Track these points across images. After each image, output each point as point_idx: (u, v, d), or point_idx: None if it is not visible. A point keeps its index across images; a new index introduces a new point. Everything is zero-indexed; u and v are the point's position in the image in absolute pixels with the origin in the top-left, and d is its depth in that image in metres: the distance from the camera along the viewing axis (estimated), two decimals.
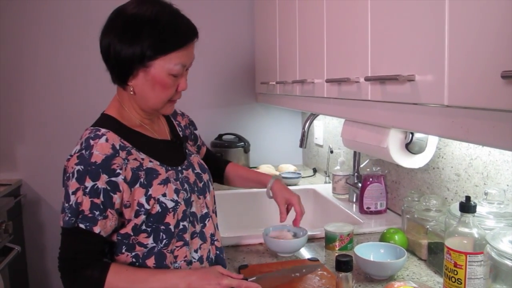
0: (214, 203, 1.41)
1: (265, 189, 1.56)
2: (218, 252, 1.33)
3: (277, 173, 2.68)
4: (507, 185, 1.28)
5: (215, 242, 1.33)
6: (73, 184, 1.11)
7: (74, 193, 1.11)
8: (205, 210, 1.31)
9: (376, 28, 1.19)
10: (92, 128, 1.19)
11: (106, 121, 1.22)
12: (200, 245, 1.27)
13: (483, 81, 0.78)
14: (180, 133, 1.43)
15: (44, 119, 2.87)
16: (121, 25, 1.15)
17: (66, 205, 1.11)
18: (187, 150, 1.37)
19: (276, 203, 1.52)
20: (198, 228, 1.27)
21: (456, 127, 0.89)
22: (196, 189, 1.30)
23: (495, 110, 0.77)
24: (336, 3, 1.47)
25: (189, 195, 1.25)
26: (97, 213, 1.11)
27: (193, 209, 1.26)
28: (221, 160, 1.71)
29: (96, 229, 1.11)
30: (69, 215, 1.10)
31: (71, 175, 1.11)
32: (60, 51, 2.84)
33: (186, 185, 1.26)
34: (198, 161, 1.39)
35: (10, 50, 2.78)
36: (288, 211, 1.53)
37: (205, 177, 1.36)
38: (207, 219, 1.31)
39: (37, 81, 2.84)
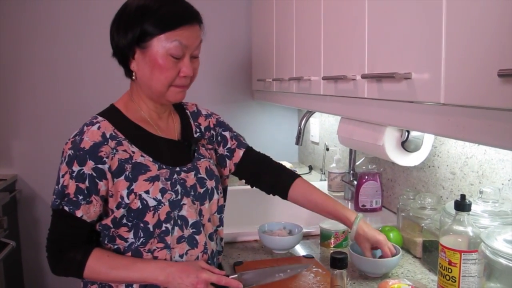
0: (220, 212, 1.35)
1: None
2: (209, 262, 1.27)
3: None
4: (502, 184, 1.28)
5: (208, 252, 1.27)
6: (63, 167, 1.15)
7: (63, 176, 1.15)
8: (198, 217, 1.25)
9: (373, 26, 1.19)
10: (93, 116, 1.23)
11: (109, 111, 1.25)
12: (187, 250, 1.22)
13: (480, 79, 0.78)
14: (196, 135, 1.38)
15: (40, 114, 2.85)
16: (119, 16, 1.20)
17: (56, 187, 1.16)
18: (196, 153, 1.33)
19: (361, 248, 1.35)
20: (187, 233, 1.22)
21: (452, 125, 0.89)
22: (192, 193, 1.25)
23: (492, 108, 0.77)
24: (334, 0, 1.47)
25: (179, 197, 1.21)
26: (80, 197, 1.13)
27: (183, 212, 1.22)
28: (285, 172, 1.50)
29: (78, 213, 1.14)
30: (55, 196, 1.15)
31: (63, 158, 1.16)
32: (56, 47, 2.83)
33: (178, 187, 1.22)
34: (208, 166, 1.32)
35: (6, 46, 2.76)
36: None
37: (211, 183, 1.30)
38: (200, 227, 1.25)
39: (32, 77, 2.82)
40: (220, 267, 1.42)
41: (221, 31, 2.97)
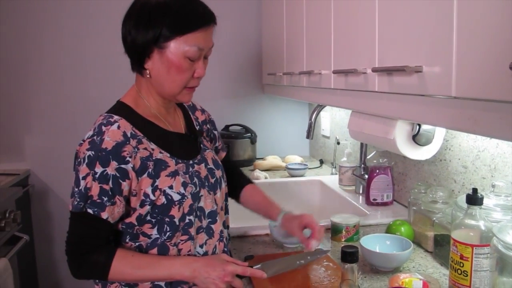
0: (226, 200, 1.40)
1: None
2: (226, 249, 1.33)
3: (284, 164, 2.68)
4: None
5: (224, 239, 1.32)
6: (83, 169, 1.12)
7: (84, 178, 1.12)
8: (214, 206, 1.30)
9: (384, 19, 1.19)
10: (106, 114, 1.20)
11: (120, 109, 1.23)
12: (206, 240, 1.26)
13: (491, 72, 0.78)
14: (197, 128, 1.42)
15: (52, 109, 2.88)
16: (137, 12, 1.18)
17: (76, 189, 1.13)
18: (202, 145, 1.36)
19: (295, 235, 1.38)
20: (204, 223, 1.26)
21: (464, 119, 0.88)
22: (207, 184, 1.28)
23: (503, 102, 0.76)
24: None
25: (198, 189, 1.24)
26: (105, 199, 1.12)
27: (201, 204, 1.26)
28: (243, 178, 1.59)
29: (104, 215, 1.12)
30: (78, 199, 1.12)
31: (82, 160, 1.13)
32: (66, 42, 2.84)
33: (196, 179, 1.25)
34: (213, 156, 1.37)
35: (17, 42, 2.79)
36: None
37: (218, 173, 1.35)
38: (216, 215, 1.30)
39: (44, 72, 2.85)
40: (229, 254, 1.44)
41: (232, 26, 2.97)
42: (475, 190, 1.07)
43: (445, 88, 0.91)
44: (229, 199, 1.45)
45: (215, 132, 1.52)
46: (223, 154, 1.56)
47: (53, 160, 2.86)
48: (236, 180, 1.56)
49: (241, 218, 1.90)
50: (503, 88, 0.75)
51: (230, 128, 2.97)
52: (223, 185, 1.37)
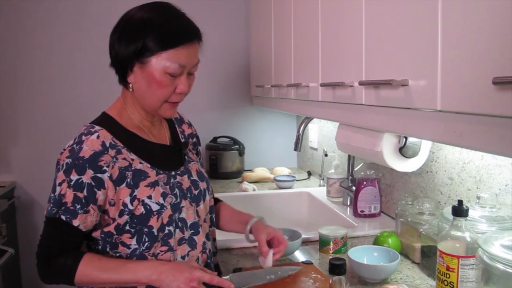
0: (211, 213, 1.40)
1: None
2: (209, 261, 1.32)
3: (272, 176, 2.69)
4: (499, 189, 1.29)
5: (207, 251, 1.32)
6: (60, 175, 1.15)
7: (60, 184, 1.15)
8: (196, 218, 1.30)
9: (371, 33, 1.20)
10: (88, 124, 1.23)
11: (103, 119, 1.25)
12: (188, 252, 1.26)
13: (475, 86, 0.79)
14: (182, 140, 1.42)
15: (38, 121, 2.86)
16: (122, 26, 1.20)
17: (52, 195, 1.16)
18: (186, 157, 1.37)
19: (257, 240, 1.36)
20: (187, 234, 1.26)
21: (449, 132, 0.90)
22: (189, 195, 1.29)
23: (487, 115, 0.78)
24: (331, 8, 1.48)
25: (178, 200, 1.25)
26: (78, 206, 1.14)
27: (183, 215, 1.26)
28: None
29: (75, 222, 1.14)
30: (52, 205, 1.15)
31: (60, 167, 1.16)
32: (54, 53, 2.84)
33: (177, 190, 1.26)
34: (197, 168, 1.38)
35: (4, 52, 2.77)
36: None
37: (202, 185, 1.35)
38: (199, 227, 1.30)
39: (31, 83, 2.83)
40: (217, 267, 1.44)
41: (220, 38, 2.98)
42: (460, 202, 1.08)
43: (431, 101, 0.93)
44: None
45: (199, 148, 1.53)
46: (203, 171, 1.52)
47: (39, 172, 2.83)
48: None
49: None
50: (487, 102, 0.76)
51: (218, 140, 2.97)
52: (208, 197, 1.37)
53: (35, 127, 2.86)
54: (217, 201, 1.56)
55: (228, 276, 1.22)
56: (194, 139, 1.49)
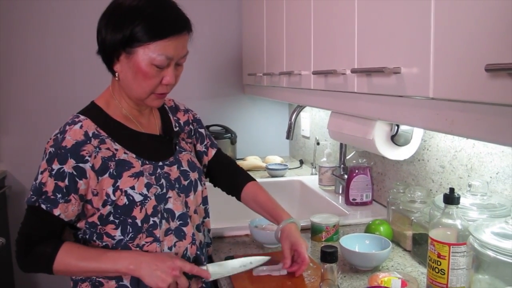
0: (205, 203, 1.38)
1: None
2: (198, 252, 1.29)
3: (264, 164, 2.68)
4: (490, 177, 1.30)
5: (197, 243, 1.29)
6: (43, 164, 1.15)
7: (42, 173, 1.15)
8: (184, 209, 1.28)
9: (363, 21, 1.20)
10: (74, 114, 1.22)
11: (90, 109, 1.25)
12: (175, 242, 1.24)
13: (468, 74, 0.79)
14: (176, 129, 1.40)
15: (30, 110, 2.83)
16: (110, 12, 1.18)
17: (34, 183, 1.16)
18: (178, 147, 1.35)
19: (282, 247, 1.31)
20: (173, 225, 1.24)
21: (441, 120, 0.90)
22: (177, 186, 1.27)
23: (479, 103, 0.78)
24: None
25: (164, 191, 1.23)
26: (59, 195, 1.13)
27: (169, 205, 1.24)
28: (242, 174, 1.54)
29: (56, 212, 1.13)
30: (32, 193, 1.15)
31: (44, 155, 1.16)
32: (47, 42, 2.80)
33: (163, 181, 1.24)
34: (189, 158, 1.35)
35: None
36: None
37: (194, 175, 1.33)
38: (187, 218, 1.28)
39: (22, 72, 2.80)
40: (210, 259, 1.43)
41: (212, 26, 2.96)
42: (452, 190, 1.08)
43: (423, 89, 0.93)
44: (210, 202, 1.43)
45: (202, 131, 1.50)
46: (212, 151, 1.52)
47: (30, 161, 2.79)
48: (235, 177, 1.53)
49: (220, 218, 1.90)
50: (479, 89, 0.76)
51: (210, 128, 2.96)
52: (200, 188, 1.35)
53: (26, 116, 2.83)
54: (248, 178, 1.52)
55: (205, 266, 1.23)
56: (191, 126, 1.46)
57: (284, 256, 1.29)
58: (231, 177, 1.53)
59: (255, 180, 1.53)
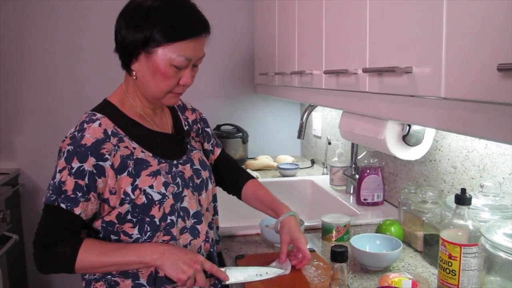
0: (214, 201, 1.40)
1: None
2: (211, 250, 1.32)
3: (275, 164, 2.68)
4: (503, 178, 1.28)
5: (210, 240, 1.31)
6: (61, 163, 1.14)
7: (60, 171, 1.13)
8: (199, 207, 1.29)
9: (375, 20, 1.19)
10: (89, 112, 1.22)
11: (105, 107, 1.24)
12: (190, 240, 1.26)
13: (480, 73, 0.78)
14: (185, 128, 1.41)
15: (42, 108, 2.86)
16: (130, 11, 1.18)
17: (51, 182, 1.14)
18: (189, 146, 1.36)
19: (280, 240, 1.32)
20: (189, 223, 1.26)
21: (453, 120, 0.89)
22: (191, 184, 1.29)
23: (492, 103, 0.77)
24: None
25: (181, 189, 1.25)
26: (79, 194, 1.12)
27: (185, 204, 1.25)
28: (243, 173, 1.56)
29: (77, 210, 1.12)
30: (51, 192, 1.13)
31: (62, 154, 1.14)
32: (58, 41, 2.83)
33: (178, 179, 1.25)
34: (200, 157, 1.37)
35: (8, 41, 2.77)
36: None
37: (205, 174, 1.35)
38: (201, 216, 1.30)
39: (34, 71, 2.83)
40: (220, 256, 1.44)
41: (224, 26, 2.97)
42: (463, 190, 1.08)
43: (435, 89, 0.92)
44: (219, 199, 1.45)
45: (208, 130, 1.51)
46: (218, 151, 1.54)
47: (43, 159, 2.84)
48: (236, 176, 1.54)
49: (231, 217, 1.90)
50: (492, 89, 0.76)
51: (222, 127, 2.97)
52: (210, 186, 1.37)
53: (38, 114, 2.87)
54: (249, 177, 1.54)
55: (223, 269, 1.22)
56: (198, 125, 1.47)
57: (281, 251, 1.29)
58: (233, 176, 1.54)
59: (254, 178, 1.55)
